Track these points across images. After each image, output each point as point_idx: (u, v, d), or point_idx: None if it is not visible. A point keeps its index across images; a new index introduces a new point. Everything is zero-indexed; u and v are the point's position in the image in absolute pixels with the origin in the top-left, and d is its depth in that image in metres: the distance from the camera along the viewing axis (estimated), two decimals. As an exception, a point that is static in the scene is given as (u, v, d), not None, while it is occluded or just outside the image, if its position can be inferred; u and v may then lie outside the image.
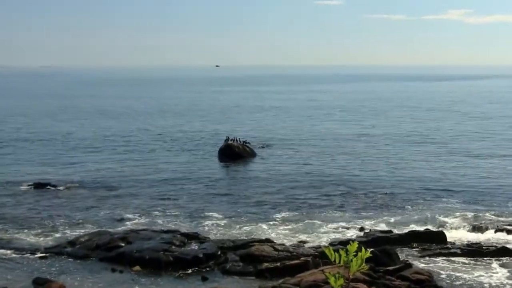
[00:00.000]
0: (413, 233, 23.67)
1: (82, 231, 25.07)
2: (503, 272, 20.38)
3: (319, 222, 26.42)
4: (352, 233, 24.84)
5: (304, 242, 23.47)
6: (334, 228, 25.63)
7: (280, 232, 25.16)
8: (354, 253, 4.40)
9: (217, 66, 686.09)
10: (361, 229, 25.29)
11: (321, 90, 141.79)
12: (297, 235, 24.78)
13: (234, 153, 42.86)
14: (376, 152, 45.08)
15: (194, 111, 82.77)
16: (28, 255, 22.29)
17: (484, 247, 22.49)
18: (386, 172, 37.18)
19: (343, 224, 26.26)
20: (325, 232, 25.13)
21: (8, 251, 22.67)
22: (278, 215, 27.64)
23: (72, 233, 24.90)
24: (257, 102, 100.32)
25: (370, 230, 24.90)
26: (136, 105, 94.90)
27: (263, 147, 47.78)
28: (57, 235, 24.87)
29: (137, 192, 32.67)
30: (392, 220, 26.83)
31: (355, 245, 4.42)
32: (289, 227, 25.89)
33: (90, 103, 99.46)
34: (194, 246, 22.28)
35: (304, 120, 69.21)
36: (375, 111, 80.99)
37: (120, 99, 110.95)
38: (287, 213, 28.04)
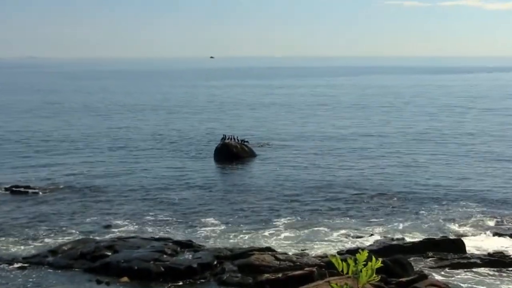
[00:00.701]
0: (428, 241, 23.56)
1: (65, 238, 24.98)
2: (531, 284, 20.23)
3: (324, 229, 26.36)
4: (361, 241, 24.72)
5: (309, 250, 23.34)
6: (341, 236, 25.56)
7: (282, 240, 25.09)
8: (364, 263, 4.29)
9: (211, 57, 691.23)
10: (371, 236, 25.18)
11: (326, 84, 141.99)
12: (300, 243, 24.71)
13: (231, 153, 42.82)
14: (388, 152, 45.05)
15: (188, 107, 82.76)
16: (4, 265, 22.17)
17: (507, 257, 22.35)
18: (399, 174, 37.13)
19: (351, 231, 26.17)
20: (331, 240, 25.03)
21: (-17, 261, 22.53)
22: (279, 221, 27.59)
23: (53, 241, 24.82)
24: (256, 97, 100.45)
25: (381, 237, 24.79)
26: (125, 100, 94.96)
27: (263, 146, 47.75)
28: (37, 243, 24.78)
29: (125, 196, 32.66)
30: (405, 226, 26.74)
31: (365, 254, 4.31)
32: (292, 234, 25.82)
33: (75, 98, 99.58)
34: (188, 255, 22.16)
35: (309, 117, 69.22)
36: (386, 107, 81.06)
37: (107, 93, 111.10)
38: (290, 219, 27.98)
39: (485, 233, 25.57)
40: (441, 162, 40.87)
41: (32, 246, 24.34)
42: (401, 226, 26.82)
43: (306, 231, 26.15)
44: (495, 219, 27.40)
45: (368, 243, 23.94)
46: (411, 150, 45.82)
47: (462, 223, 27.01)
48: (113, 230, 26.63)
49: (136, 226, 27.14)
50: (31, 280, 20.84)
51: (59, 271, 21.67)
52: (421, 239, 24.03)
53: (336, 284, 4.33)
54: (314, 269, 20.19)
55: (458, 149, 46.22)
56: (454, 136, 52.85)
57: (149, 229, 26.70)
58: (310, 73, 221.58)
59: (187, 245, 23.27)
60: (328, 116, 69.80)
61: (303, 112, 75.25)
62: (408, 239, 24.40)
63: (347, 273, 4.30)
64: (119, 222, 27.79)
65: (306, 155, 43.93)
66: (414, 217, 28.15)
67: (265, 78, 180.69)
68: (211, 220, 28.02)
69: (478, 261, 22.08)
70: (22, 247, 24.24)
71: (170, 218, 28.33)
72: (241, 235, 25.77)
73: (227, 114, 73.80)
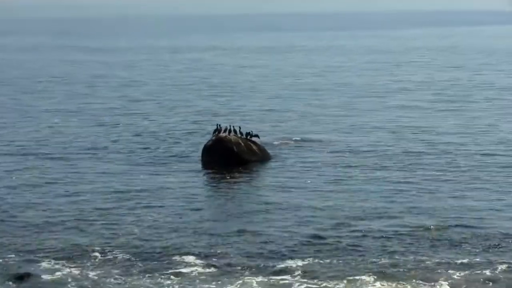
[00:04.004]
0: None
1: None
2: None
3: (369, 277, 26.46)
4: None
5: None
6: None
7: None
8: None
9: None
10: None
11: (385, 45, 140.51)
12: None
13: (229, 155, 42.79)
14: (480, 164, 43.65)
15: (164, 80, 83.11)
16: None
17: None
18: (492, 198, 36.66)
19: (416, 280, 26.23)
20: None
21: None
22: (295, 264, 27.65)
23: None
24: (268, 68, 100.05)
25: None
26: (65, 72, 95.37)
27: (284, 145, 47.90)
28: None
29: (59, 221, 33.01)
30: (505, 271, 26.88)
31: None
32: (318, 284, 25.89)
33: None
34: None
35: (359, 100, 69.05)
36: (486, 85, 79.48)
37: (35, 62, 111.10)
38: (313, 260, 28.08)
39: None
40: None
41: None
42: (499, 269, 26.97)
43: (341, 280, 26.19)
44: None
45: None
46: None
47: None
48: (31, 280, 26.57)
49: (71, 272, 27.12)
50: None
51: None
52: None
53: None
54: None
55: None
56: None
57: (90, 276, 26.69)
58: (351, 24, 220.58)
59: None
60: (389, 99, 69.34)
61: (351, 91, 75.20)
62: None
63: None
64: (42, 265, 27.78)
65: (348, 162, 43.89)
66: None
67: (276, 31, 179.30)
68: (191, 259, 28.13)
69: None
70: None
71: (128, 259, 28.37)
72: (240, 282, 25.94)
73: (223, 93, 73.90)
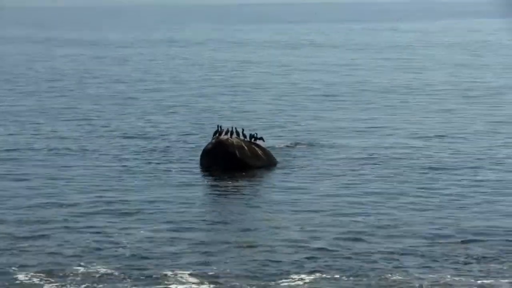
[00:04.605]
0: None
1: None
2: None
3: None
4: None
5: None
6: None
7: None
8: None
9: None
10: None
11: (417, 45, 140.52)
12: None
13: (231, 159, 42.81)
14: None
15: (160, 77, 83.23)
16: None
17: None
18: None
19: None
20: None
21: None
22: (304, 279, 27.46)
23: None
24: (278, 61, 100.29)
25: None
26: (50, 67, 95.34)
27: (291, 148, 48.09)
28: None
29: (41, 230, 32.93)
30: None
31: None
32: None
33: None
34: None
35: (376, 101, 69.13)
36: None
37: (16, 55, 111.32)
38: (321, 275, 27.83)
39: None
40: None
41: None
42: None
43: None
44: None
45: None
46: None
47: None
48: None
49: (51, 287, 26.99)
50: None
51: None
52: None
53: None
54: None
55: None
56: None
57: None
58: (368, 15, 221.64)
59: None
60: (411, 102, 69.10)
61: (367, 90, 75.43)
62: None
63: None
64: (19, 279, 27.63)
65: (362, 169, 43.77)
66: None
67: (283, 23, 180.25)
68: (185, 275, 27.90)
69: None
70: None
71: (115, 273, 28.13)
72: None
73: (225, 91, 74.28)
